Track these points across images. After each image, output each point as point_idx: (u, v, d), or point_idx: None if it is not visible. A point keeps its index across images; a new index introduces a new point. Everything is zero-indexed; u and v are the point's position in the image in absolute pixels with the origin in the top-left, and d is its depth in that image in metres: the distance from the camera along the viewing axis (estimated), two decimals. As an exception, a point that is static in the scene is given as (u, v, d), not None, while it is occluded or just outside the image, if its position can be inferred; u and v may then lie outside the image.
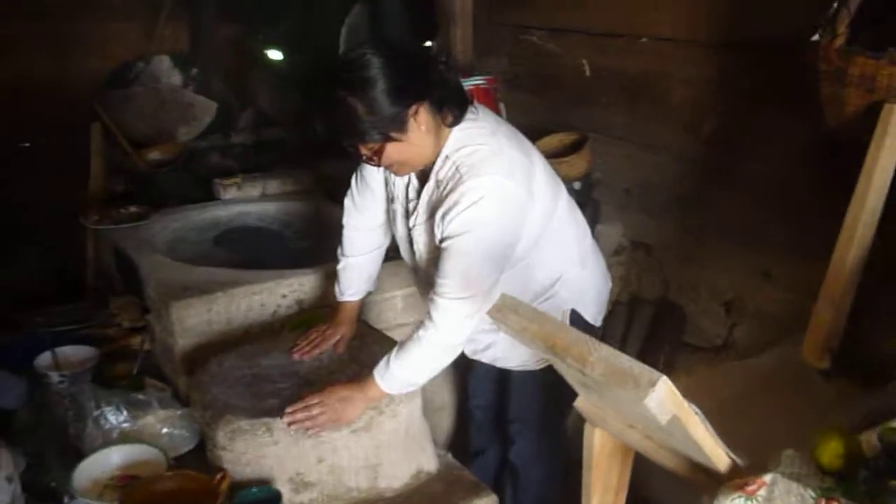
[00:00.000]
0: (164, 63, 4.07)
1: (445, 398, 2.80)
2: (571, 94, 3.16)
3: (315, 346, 2.10)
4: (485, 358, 2.14)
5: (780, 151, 2.43)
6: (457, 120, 1.78)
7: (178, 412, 2.12)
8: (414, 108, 1.70)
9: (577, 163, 2.92)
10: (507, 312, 1.48)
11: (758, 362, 1.88)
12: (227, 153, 4.00)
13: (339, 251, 2.19)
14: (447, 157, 1.77)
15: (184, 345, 2.29)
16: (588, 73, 3.08)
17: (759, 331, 2.75)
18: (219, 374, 1.99)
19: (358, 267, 2.17)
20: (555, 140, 3.07)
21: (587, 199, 2.98)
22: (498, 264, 1.75)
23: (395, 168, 1.81)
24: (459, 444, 2.72)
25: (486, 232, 1.71)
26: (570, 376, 1.49)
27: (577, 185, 2.93)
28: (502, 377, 2.21)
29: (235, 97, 4.24)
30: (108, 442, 2.00)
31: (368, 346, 2.12)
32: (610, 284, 2.24)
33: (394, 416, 1.90)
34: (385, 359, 1.82)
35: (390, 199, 2.01)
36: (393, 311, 2.64)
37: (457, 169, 1.74)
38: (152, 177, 3.35)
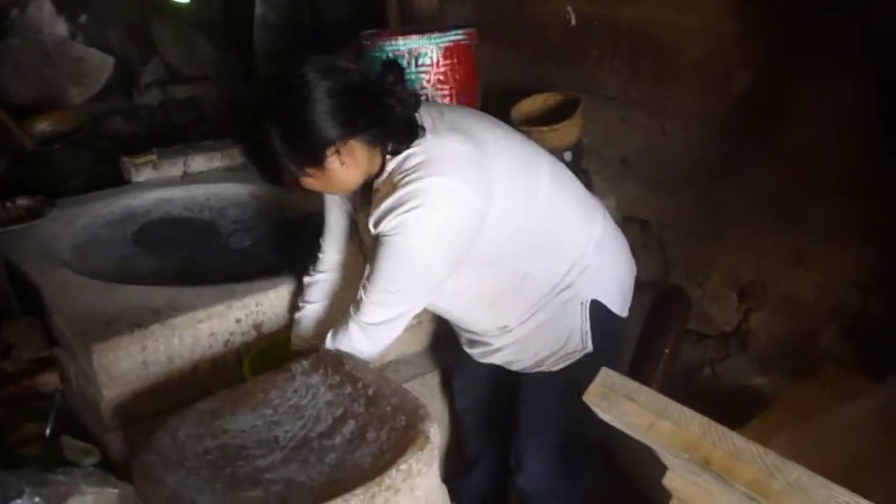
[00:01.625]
0: (44, 8, 3.36)
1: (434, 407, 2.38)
2: (553, 48, 2.73)
3: None
4: (495, 360, 1.88)
5: (825, 116, 2.10)
6: (397, 151, 1.58)
7: (114, 492, 1.62)
8: (338, 145, 1.52)
9: (568, 130, 2.51)
10: (619, 399, 1.04)
11: (862, 404, 1.51)
12: (131, 118, 3.38)
13: (301, 298, 1.93)
14: (384, 170, 1.60)
15: (112, 395, 1.77)
16: (573, 22, 2.64)
17: (782, 319, 2.45)
18: (172, 451, 1.48)
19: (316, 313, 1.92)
20: (538, 101, 2.66)
21: (576, 170, 2.58)
22: (434, 269, 1.61)
23: (322, 190, 1.67)
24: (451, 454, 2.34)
25: (421, 236, 1.55)
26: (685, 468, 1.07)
27: (567, 156, 2.56)
28: (505, 378, 1.92)
29: (136, 49, 3.57)
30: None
31: (363, 391, 1.64)
32: (635, 269, 1.95)
33: (411, 493, 1.46)
34: (324, 343, 1.73)
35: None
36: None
37: (390, 176, 1.58)
38: (42, 156, 2.70)
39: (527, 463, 1.93)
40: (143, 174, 2.68)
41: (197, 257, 2.26)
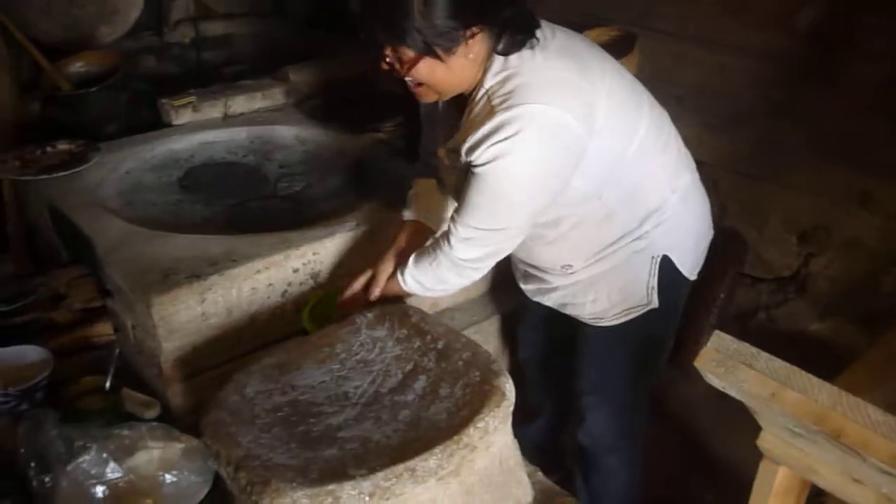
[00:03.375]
0: (69, -56, 3.20)
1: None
2: (606, -22, 2.59)
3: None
4: (548, 301, 1.81)
5: (894, 52, 2.01)
6: (515, 48, 1.44)
7: (180, 446, 1.58)
8: (473, 29, 1.40)
9: (626, 67, 2.39)
10: (735, 366, 0.97)
11: None
12: (163, 56, 3.28)
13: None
14: (483, 85, 1.46)
15: (172, 348, 1.73)
16: (629, -49, 2.51)
17: (846, 263, 2.39)
18: (243, 408, 1.45)
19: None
20: (592, 38, 2.51)
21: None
22: (532, 204, 1.50)
23: (417, 88, 1.49)
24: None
25: (520, 168, 1.42)
26: (784, 428, 1.02)
27: (623, 95, 2.43)
28: (565, 329, 1.84)
29: (166, -16, 3.44)
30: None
31: (432, 345, 1.59)
32: (712, 233, 1.85)
33: (487, 450, 1.43)
34: (406, 265, 1.64)
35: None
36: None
37: (488, 99, 1.44)
38: (78, 98, 2.61)
39: (588, 419, 1.89)
40: (184, 116, 2.59)
41: (247, 203, 2.20)
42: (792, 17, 2.17)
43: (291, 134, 2.55)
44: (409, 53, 1.40)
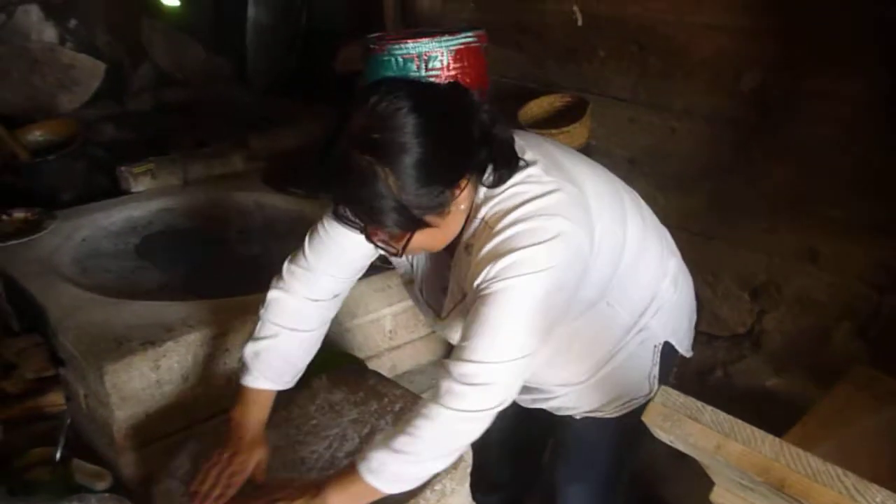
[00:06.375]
0: (31, 14, 3.26)
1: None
2: (558, 47, 2.68)
3: (222, 488, 1.39)
4: (543, 405, 1.68)
5: (838, 112, 2.06)
6: (500, 182, 1.32)
7: (132, 518, 1.55)
8: (460, 183, 1.28)
9: (577, 133, 2.48)
10: (681, 420, 0.99)
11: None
12: (123, 123, 3.29)
13: (262, 313, 1.51)
14: (475, 217, 1.34)
15: (125, 416, 1.70)
16: (580, 22, 2.59)
17: (798, 318, 2.43)
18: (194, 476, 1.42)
19: (296, 343, 1.51)
20: (544, 104, 2.61)
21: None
22: (543, 328, 1.30)
23: (412, 252, 1.38)
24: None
25: (540, 281, 1.26)
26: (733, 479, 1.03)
27: (577, 159, 2.49)
28: (546, 417, 1.71)
29: (126, 53, 3.48)
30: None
31: (389, 408, 1.59)
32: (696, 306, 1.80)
33: (442, 514, 1.41)
34: (375, 447, 1.29)
35: (404, 276, 1.56)
36: (381, 335, 2.13)
37: (486, 223, 1.31)
38: (36, 166, 2.61)
39: None
40: (142, 184, 2.60)
41: (204, 269, 2.19)
42: (736, 82, 2.25)
43: (251, 200, 2.56)
44: (398, 232, 1.27)
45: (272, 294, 1.51)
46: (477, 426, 1.30)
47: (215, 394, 1.81)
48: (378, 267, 1.67)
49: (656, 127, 2.53)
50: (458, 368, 1.25)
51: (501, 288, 1.25)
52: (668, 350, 1.61)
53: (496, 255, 1.26)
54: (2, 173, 2.69)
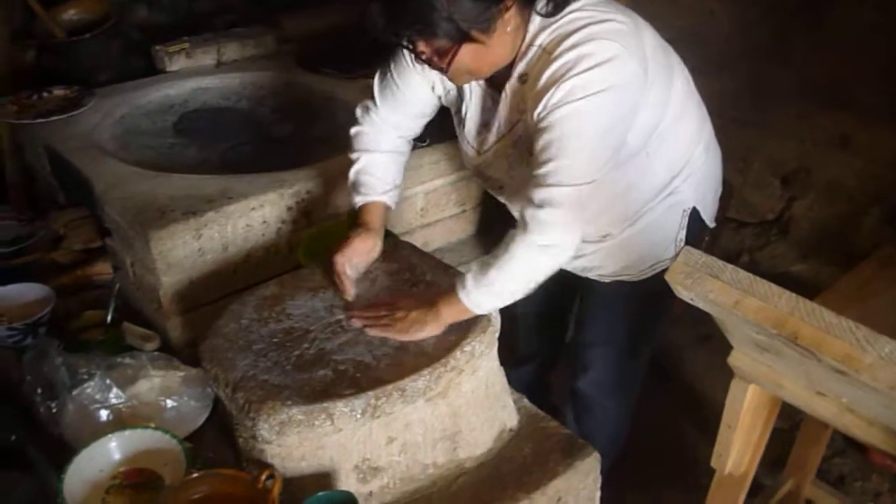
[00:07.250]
0: None
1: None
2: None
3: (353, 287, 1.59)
4: (572, 268, 1.73)
5: None
6: (556, 10, 1.36)
7: (180, 374, 1.65)
8: (507, 2, 1.32)
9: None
10: (703, 278, 1.03)
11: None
12: (155, 6, 3.27)
13: (352, 150, 1.69)
14: (531, 45, 1.39)
15: (171, 282, 1.79)
16: None
17: (827, 205, 2.45)
18: (239, 335, 1.51)
19: (382, 165, 1.68)
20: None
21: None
22: (611, 149, 1.38)
23: (459, 76, 1.43)
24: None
25: (602, 102, 1.31)
26: (750, 338, 1.08)
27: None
28: (572, 281, 1.77)
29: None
30: (97, 428, 1.53)
31: (421, 277, 1.65)
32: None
33: (473, 374, 1.50)
34: (469, 274, 1.45)
35: (456, 117, 1.63)
36: (413, 212, 2.18)
37: (544, 49, 1.36)
38: (73, 46, 2.63)
39: (593, 369, 1.89)
40: (177, 63, 2.62)
41: (240, 147, 2.24)
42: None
43: (283, 80, 2.58)
44: (446, 44, 1.32)
45: (353, 130, 1.69)
46: (555, 254, 1.40)
47: (255, 264, 1.89)
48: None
49: (696, 9, 2.49)
50: (539, 194, 1.34)
51: (567, 112, 1.31)
52: (694, 216, 1.67)
53: (556, 80, 1.31)
54: (40, 53, 2.72)
